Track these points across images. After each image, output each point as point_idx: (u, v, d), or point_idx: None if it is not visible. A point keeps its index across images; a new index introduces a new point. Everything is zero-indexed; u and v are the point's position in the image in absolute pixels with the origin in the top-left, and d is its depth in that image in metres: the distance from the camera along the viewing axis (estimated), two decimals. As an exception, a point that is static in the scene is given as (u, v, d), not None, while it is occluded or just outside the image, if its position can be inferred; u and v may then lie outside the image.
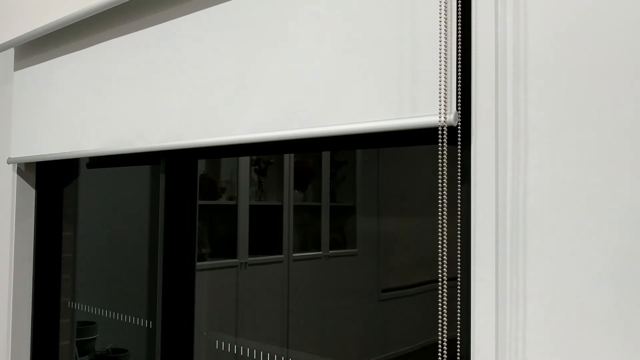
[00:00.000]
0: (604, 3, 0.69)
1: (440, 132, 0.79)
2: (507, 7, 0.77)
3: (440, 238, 0.76)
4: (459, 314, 0.83)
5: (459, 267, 0.83)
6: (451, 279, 0.83)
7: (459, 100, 0.81)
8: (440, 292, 0.76)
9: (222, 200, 1.75)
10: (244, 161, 1.76)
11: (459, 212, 0.83)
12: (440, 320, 0.75)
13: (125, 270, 1.83)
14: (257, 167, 1.74)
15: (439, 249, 0.76)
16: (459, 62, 0.81)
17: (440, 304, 0.76)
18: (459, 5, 0.81)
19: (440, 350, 0.75)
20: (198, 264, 1.44)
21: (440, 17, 0.81)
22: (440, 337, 0.75)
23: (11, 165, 1.80)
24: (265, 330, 1.54)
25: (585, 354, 0.69)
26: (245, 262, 1.68)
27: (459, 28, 0.81)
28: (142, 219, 1.77)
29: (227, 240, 1.72)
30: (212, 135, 1.15)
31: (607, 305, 0.68)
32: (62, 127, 1.56)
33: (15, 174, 1.79)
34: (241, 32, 1.12)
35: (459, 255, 0.83)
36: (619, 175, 0.68)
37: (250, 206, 1.72)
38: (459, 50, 0.81)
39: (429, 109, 0.83)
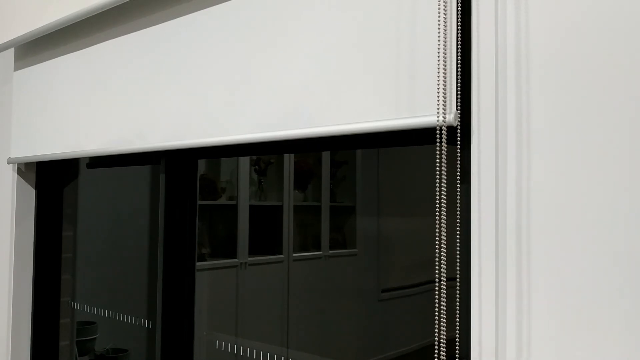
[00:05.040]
0: (605, 2, 0.69)
1: (439, 132, 0.78)
2: (507, 6, 0.77)
3: (437, 238, 0.76)
4: (457, 315, 0.83)
5: (457, 267, 0.83)
6: (453, 279, 0.82)
7: (459, 100, 0.81)
8: (437, 292, 0.75)
9: (222, 200, 1.75)
10: (244, 161, 1.76)
11: (458, 212, 0.83)
12: (437, 321, 0.75)
13: (125, 270, 1.83)
14: (257, 167, 1.73)
15: (436, 249, 0.76)
16: (459, 61, 0.81)
17: (437, 304, 0.75)
18: (459, 3, 0.81)
19: (437, 350, 0.75)
20: (198, 264, 1.44)
21: (439, 16, 0.81)
22: (437, 338, 0.75)
23: (11, 165, 1.80)
24: (265, 330, 1.53)
25: (587, 356, 0.69)
26: (245, 262, 1.68)
27: (459, 27, 0.81)
28: (142, 219, 1.77)
29: (227, 240, 1.72)
30: (212, 135, 1.15)
31: (610, 307, 0.68)
32: (62, 127, 1.56)
33: (15, 174, 1.79)
34: (241, 32, 1.12)
35: (457, 255, 0.83)
36: (622, 175, 0.67)
37: (250, 206, 1.71)
38: (459, 49, 0.81)
39: (429, 109, 0.83)
